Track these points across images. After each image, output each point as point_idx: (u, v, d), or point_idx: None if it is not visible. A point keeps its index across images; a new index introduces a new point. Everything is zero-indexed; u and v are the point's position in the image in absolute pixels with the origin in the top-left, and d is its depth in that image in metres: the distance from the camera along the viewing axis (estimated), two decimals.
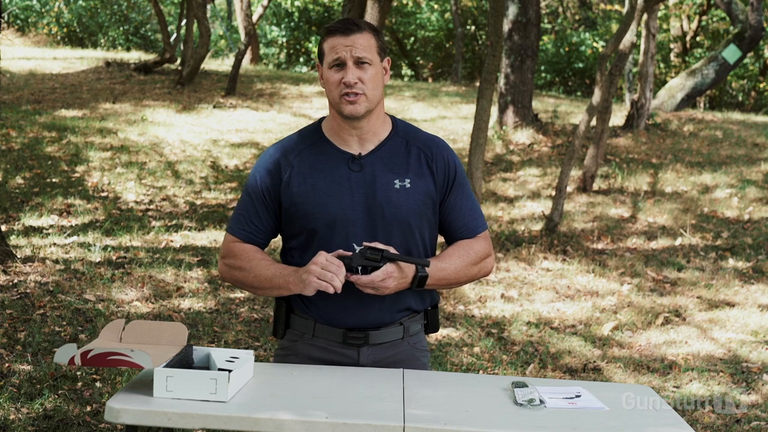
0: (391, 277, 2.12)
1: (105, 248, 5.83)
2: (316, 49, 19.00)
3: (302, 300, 2.26)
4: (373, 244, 2.14)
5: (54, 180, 7.48)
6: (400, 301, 2.24)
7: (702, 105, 16.80)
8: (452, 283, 2.27)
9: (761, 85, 18.26)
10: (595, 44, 18.44)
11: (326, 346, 2.26)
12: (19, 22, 19.02)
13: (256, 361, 2.17)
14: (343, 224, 2.19)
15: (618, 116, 11.14)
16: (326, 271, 2.08)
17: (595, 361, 4.71)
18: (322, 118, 2.33)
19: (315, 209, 2.19)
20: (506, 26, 9.85)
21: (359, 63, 2.17)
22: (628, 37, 8.11)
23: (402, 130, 2.31)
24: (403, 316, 2.28)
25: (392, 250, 2.15)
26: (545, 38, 19.88)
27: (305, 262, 2.16)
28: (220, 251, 2.36)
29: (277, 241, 2.39)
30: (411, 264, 2.16)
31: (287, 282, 2.16)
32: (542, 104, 12.56)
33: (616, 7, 18.18)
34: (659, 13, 14.45)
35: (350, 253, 2.14)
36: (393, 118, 2.33)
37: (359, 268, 2.15)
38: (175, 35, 15.44)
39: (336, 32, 2.18)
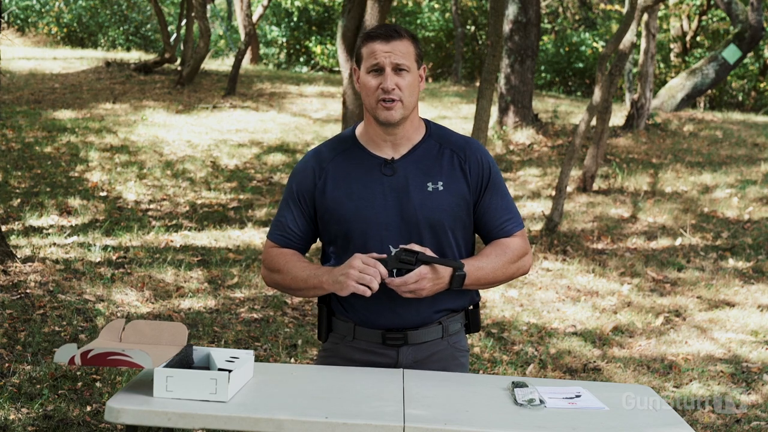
0: (424, 278, 2.13)
1: (105, 248, 5.83)
2: (315, 49, 19.17)
3: (341, 303, 2.29)
4: (409, 246, 2.14)
5: (54, 180, 7.48)
6: (437, 301, 2.25)
7: (702, 105, 16.79)
8: (490, 282, 2.29)
9: (761, 85, 18.26)
10: (595, 44, 18.43)
11: (366, 347, 2.28)
12: (19, 22, 19.02)
13: (256, 361, 2.17)
14: (377, 228, 2.21)
15: (618, 116, 11.14)
16: (364, 275, 2.10)
17: (595, 361, 4.71)
18: (356, 124, 2.36)
19: (349, 214, 2.22)
20: (506, 26, 9.85)
21: (397, 70, 2.19)
22: (628, 37, 8.11)
23: (435, 132, 2.32)
24: (441, 315, 2.29)
25: (428, 252, 2.15)
26: (545, 38, 19.87)
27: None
28: (261, 258, 2.41)
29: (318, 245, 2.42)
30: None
31: (321, 282, 2.19)
32: (542, 104, 12.56)
33: (616, 7, 18.17)
34: (659, 13, 14.44)
35: (383, 256, 2.15)
36: (427, 122, 2.35)
37: (394, 270, 2.15)
38: (175, 35, 15.44)
39: (377, 38, 2.20)
